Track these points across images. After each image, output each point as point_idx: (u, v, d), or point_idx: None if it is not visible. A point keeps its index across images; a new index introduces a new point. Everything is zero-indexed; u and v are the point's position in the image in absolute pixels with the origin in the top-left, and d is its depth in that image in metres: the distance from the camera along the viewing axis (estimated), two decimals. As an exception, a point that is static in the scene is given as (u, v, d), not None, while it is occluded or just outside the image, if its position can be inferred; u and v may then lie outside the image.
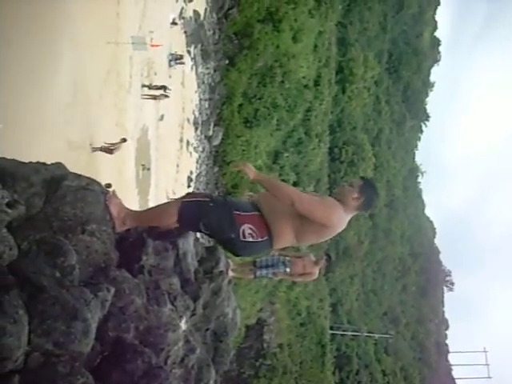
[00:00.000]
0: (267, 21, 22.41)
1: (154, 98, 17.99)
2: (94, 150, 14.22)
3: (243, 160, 18.78)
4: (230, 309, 5.05)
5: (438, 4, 57.76)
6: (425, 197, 65.42)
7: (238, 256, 3.97)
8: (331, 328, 31.93)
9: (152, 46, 16.47)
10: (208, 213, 3.55)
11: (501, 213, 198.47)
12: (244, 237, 3.57)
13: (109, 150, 14.33)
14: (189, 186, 20.59)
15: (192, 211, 3.57)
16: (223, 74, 21.98)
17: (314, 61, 27.07)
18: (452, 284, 67.26)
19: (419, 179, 61.79)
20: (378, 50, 41.61)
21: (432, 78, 57.06)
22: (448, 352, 61.57)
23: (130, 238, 3.96)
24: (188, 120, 21.00)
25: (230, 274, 5.71)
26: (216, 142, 22.08)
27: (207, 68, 21.61)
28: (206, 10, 21.15)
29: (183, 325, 4.02)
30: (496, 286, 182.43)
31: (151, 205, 13.44)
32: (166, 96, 18.08)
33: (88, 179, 3.71)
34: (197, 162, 21.72)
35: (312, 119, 27.49)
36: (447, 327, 64.96)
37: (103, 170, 14.06)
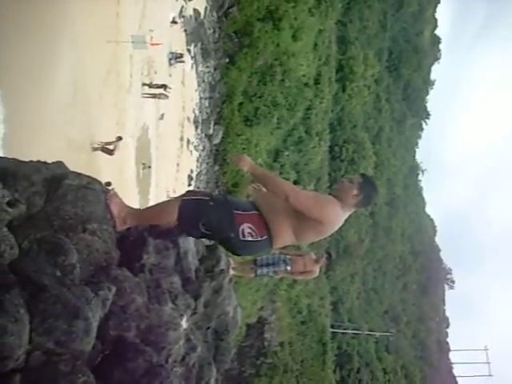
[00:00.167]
0: (267, 19, 22.39)
1: (155, 96, 17.99)
2: (95, 149, 14.24)
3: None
4: (231, 307, 5.06)
5: (438, 2, 57.68)
6: (425, 195, 65.35)
7: (237, 255, 3.97)
8: (332, 326, 31.93)
9: (152, 44, 16.46)
10: (208, 212, 3.54)
11: (501, 211, 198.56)
12: (243, 236, 3.56)
13: (108, 150, 14.34)
14: (189, 185, 20.59)
15: (192, 210, 3.56)
16: (223, 72, 21.97)
17: (314, 59, 27.05)
18: (453, 282, 67.28)
19: (420, 177, 61.76)
20: (378, 48, 41.56)
21: (432, 76, 57.00)
22: (449, 350, 61.60)
23: (130, 237, 3.97)
24: (188, 119, 21.00)
25: (231, 272, 5.72)
26: (216, 141, 22.08)
27: (207, 66, 21.60)
28: (206, 8, 21.13)
29: (184, 323, 4.03)
30: (497, 284, 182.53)
31: (152, 204, 13.44)
32: (166, 97, 18.09)
33: (89, 178, 3.72)
34: (197, 161, 21.71)
35: (312, 117, 27.47)
36: (448, 325, 64.96)
37: (104, 169, 14.08)
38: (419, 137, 59.21)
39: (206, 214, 3.54)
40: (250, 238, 3.58)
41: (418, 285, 53.89)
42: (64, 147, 12.09)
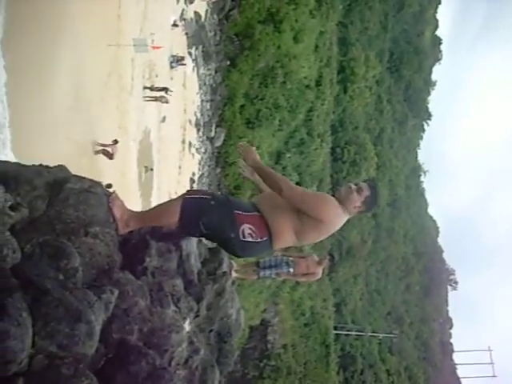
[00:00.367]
0: (268, 21, 22.41)
1: (156, 99, 18.02)
2: (96, 152, 14.26)
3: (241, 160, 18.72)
4: (234, 310, 5.06)
5: (439, 3, 57.63)
6: (428, 196, 65.10)
7: (238, 257, 3.96)
8: (335, 328, 31.90)
9: (153, 47, 16.50)
10: (209, 211, 3.53)
11: (506, 211, 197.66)
12: (244, 236, 3.55)
13: (109, 154, 14.36)
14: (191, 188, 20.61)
15: (193, 209, 3.55)
16: (224, 75, 21.99)
17: (315, 61, 27.07)
18: (456, 283, 67.09)
19: (422, 178, 61.59)
20: (379, 50, 41.55)
21: (434, 77, 56.98)
22: (452, 351, 61.42)
23: (133, 240, 3.97)
24: (190, 121, 21.02)
25: (234, 274, 5.72)
26: (218, 143, 22.09)
27: (208, 69, 21.62)
28: (206, 11, 21.16)
29: (187, 326, 4.02)
30: (500, 285, 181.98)
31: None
32: (167, 100, 18.13)
33: (90, 181, 3.72)
34: (199, 164, 21.73)
35: (314, 119, 27.48)
36: (451, 326, 64.80)
37: (106, 173, 14.08)
38: (421, 138, 59.13)
39: (207, 213, 3.53)
40: (250, 239, 3.57)
41: (421, 286, 53.77)
42: (66, 150, 12.08)
